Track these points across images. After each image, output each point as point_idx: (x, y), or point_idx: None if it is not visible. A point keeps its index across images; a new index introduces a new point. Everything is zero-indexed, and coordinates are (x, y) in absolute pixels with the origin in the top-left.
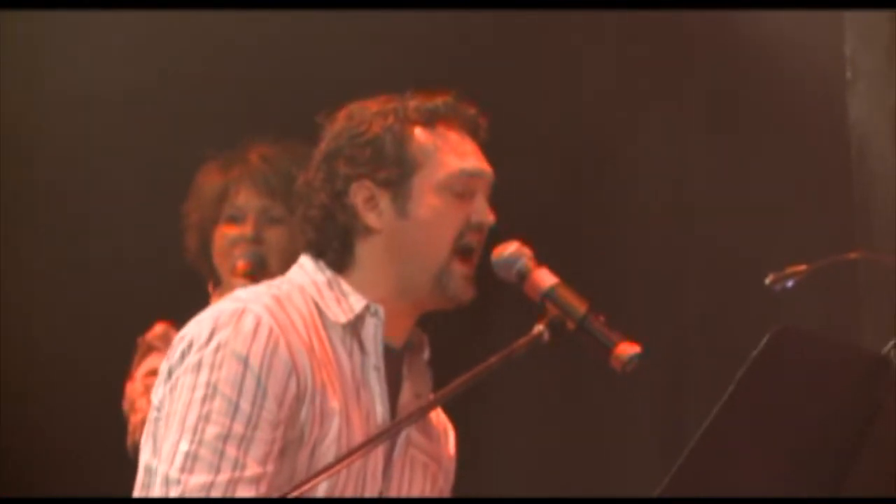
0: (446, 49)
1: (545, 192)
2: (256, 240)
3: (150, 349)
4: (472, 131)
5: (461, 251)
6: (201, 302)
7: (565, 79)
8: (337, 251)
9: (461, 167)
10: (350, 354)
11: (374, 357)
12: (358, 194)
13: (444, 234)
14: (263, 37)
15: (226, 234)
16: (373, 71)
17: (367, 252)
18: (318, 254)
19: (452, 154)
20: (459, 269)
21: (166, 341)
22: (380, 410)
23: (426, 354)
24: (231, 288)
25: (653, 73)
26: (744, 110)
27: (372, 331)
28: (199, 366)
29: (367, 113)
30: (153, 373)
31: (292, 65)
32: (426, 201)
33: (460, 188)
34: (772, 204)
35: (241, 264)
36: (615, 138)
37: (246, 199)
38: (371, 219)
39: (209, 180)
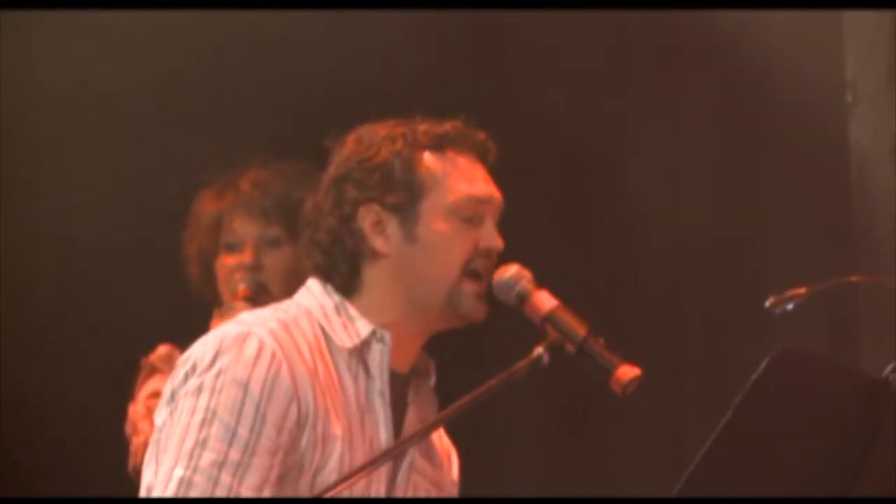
0: (443, 73)
1: (544, 215)
2: (256, 267)
3: (154, 371)
4: (482, 156)
5: (470, 275)
6: (206, 323)
7: (564, 103)
8: (344, 275)
9: (469, 192)
10: (355, 379)
11: (380, 382)
12: (366, 218)
13: (453, 258)
14: (266, 39)
15: (226, 263)
16: (371, 94)
17: (374, 276)
18: (326, 277)
19: (461, 179)
20: (470, 288)
21: (170, 363)
22: (384, 436)
23: (432, 380)
24: (232, 311)
25: (652, 98)
26: (744, 134)
27: (378, 356)
28: (199, 390)
29: (377, 137)
30: (156, 395)
31: (294, 64)
32: (434, 226)
33: (469, 213)
34: (772, 227)
35: (241, 289)
36: (615, 163)
37: (241, 226)
38: (378, 243)
39: (204, 209)
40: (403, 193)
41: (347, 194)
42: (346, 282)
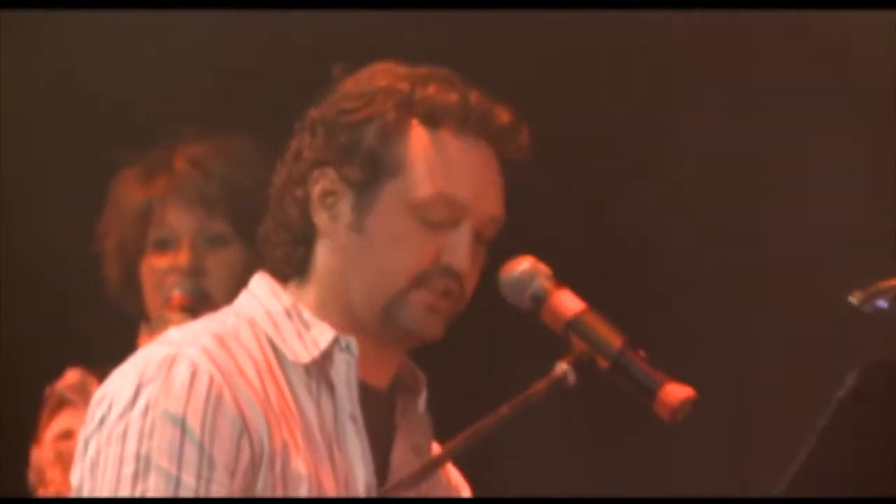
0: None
1: (568, 202)
2: (195, 270)
3: (63, 403)
4: (499, 146)
5: (420, 284)
6: (132, 342)
7: (594, 78)
8: (292, 258)
9: (442, 191)
10: (318, 403)
11: (349, 404)
12: (317, 182)
13: (400, 266)
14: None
15: (155, 266)
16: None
17: (325, 262)
18: (274, 267)
19: (440, 170)
20: (419, 298)
21: (83, 394)
22: (361, 473)
23: (423, 397)
24: (165, 324)
25: (708, 67)
26: (812, 111)
27: (343, 370)
28: (124, 435)
29: (374, 85)
30: (67, 435)
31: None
32: (388, 220)
33: (436, 217)
34: (846, 217)
35: (176, 296)
36: (654, 141)
37: (176, 217)
38: (323, 219)
39: (128, 196)
40: (365, 168)
41: (307, 148)
42: (288, 259)
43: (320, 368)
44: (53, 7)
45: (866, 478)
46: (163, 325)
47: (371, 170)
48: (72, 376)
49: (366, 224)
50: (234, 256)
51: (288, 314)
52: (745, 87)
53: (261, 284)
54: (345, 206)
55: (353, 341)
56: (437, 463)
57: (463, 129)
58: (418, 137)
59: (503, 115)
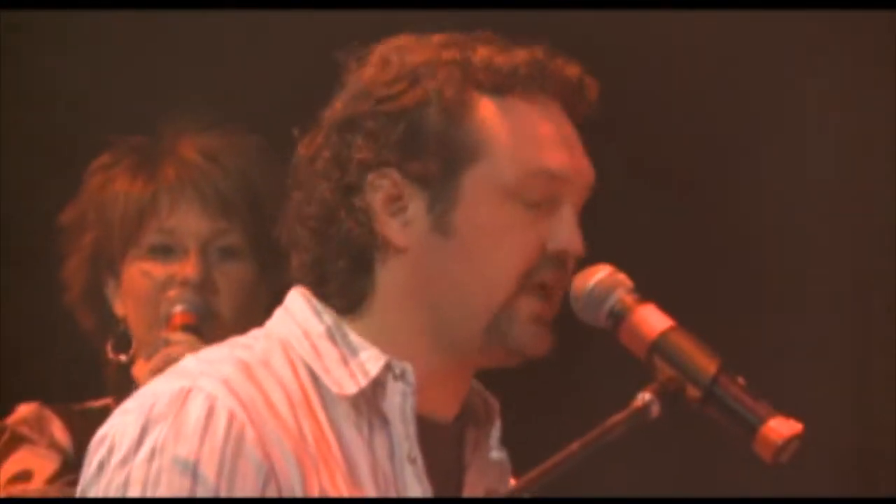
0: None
1: (653, 204)
2: (204, 285)
3: (18, 441)
4: (571, 105)
5: (531, 290)
6: (92, 371)
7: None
8: (344, 276)
9: (542, 164)
10: (369, 443)
11: (406, 443)
12: (378, 191)
13: (505, 265)
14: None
15: (149, 272)
16: None
17: (387, 281)
18: (317, 283)
19: (530, 143)
20: (529, 309)
21: (40, 428)
22: None
23: (497, 429)
24: (166, 349)
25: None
26: None
27: (398, 402)
28: (125, 485)
29: (410, 64)
30: (23, 476)
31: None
32: (481, 213)
33: (537, 196)
34: None
35: (178, 313)
36: (742, 149)
37: (185, 219)
38: (393, 229)
39: (120, 185)
40: (438, 159)
41: (353, 151)
42: (346, 288)
43: (370, 401)
44: (53, 7)
45: None
46: (164, 347)
47: (444, 159)
48: (25, 410)
49: (453, 223)
50: (246, 273)
51: (330, 336)
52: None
53: (298, 300)
54: (418, 208)
55: (408, 367)
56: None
57: (533, 92)
58: (488, 111)
59: (571, 69)
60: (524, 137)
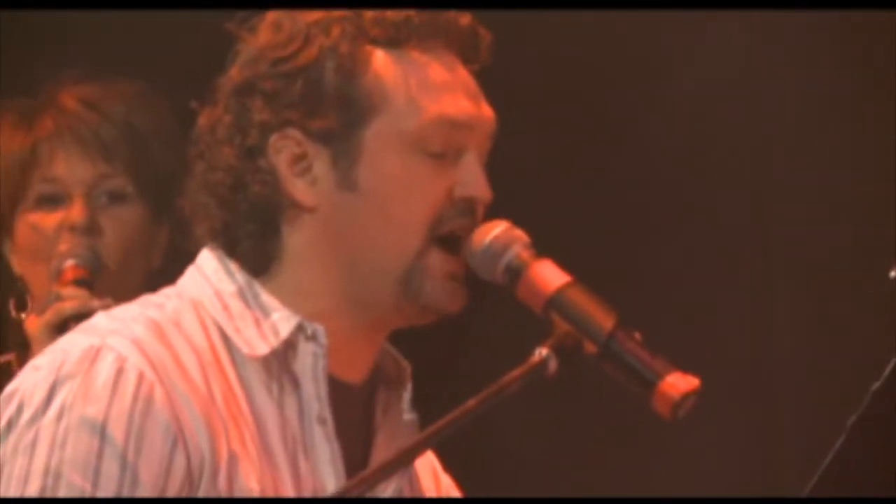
0: None
1: (548, 158)
2: (90, 229)
3: None
4: (467, 53)
5: (441, 242)
6: None
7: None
8: (254, 239)
9: (441, 112)
10: (279, 403)
11: (317, 403)
12: (281, 152)
13: (413, 215)
14: None
15: (37, 224)
16: None
17: (297, 242)
18: (228, 242)
19: (429, 91)
20: (440, 263)
21: None
22: (332, 484)
23: (408, 391)
24: (58, 304)
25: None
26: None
27: (310, 363)
28: (33, 444)
29: (302, 24)
30: None
31: None
32: (385, 165)
33: (439, 146)
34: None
35: (70, 268)
36: (640, 97)
37: (68, 167)
38: (299, 189)
39: (3, 143)
40: (338, 114)
41: (254, 114)
42: (257, 250)
43: (281, 362)
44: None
45: None
46: (55, 302)
47: (344, 115)
48: None
49: (358, 177)
50: (134, 215)
51: (242, 296)
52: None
53: (210, 259)
54: (323, 166)
55: (319, 328)
56: (396, 463)
57: (428, 42)
58: (384, 63)
59: (462, 18)
60: (421, 87)
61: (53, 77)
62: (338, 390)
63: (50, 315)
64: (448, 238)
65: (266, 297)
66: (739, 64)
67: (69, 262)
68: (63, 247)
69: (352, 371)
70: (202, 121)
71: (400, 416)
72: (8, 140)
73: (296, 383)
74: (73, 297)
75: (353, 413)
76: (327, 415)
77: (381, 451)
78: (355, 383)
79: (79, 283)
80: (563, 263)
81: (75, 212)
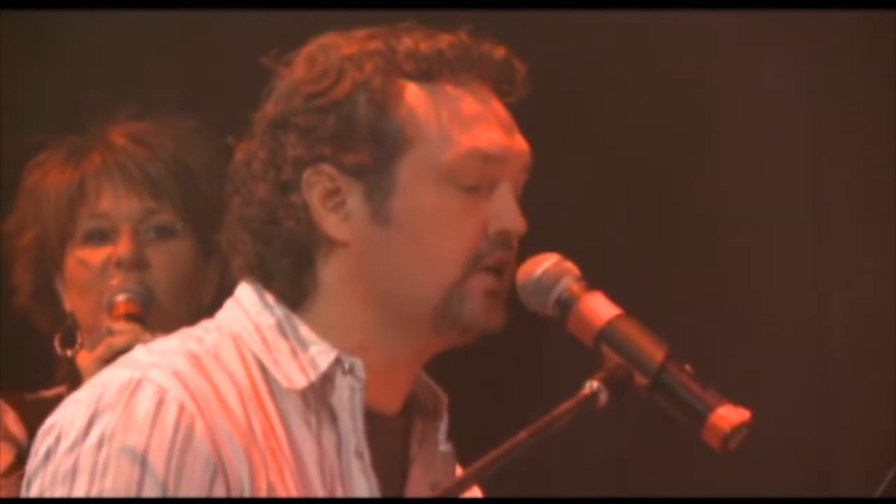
0: None
1: (598, 189)
2: (137, 264)
3: None
4: (501, 86)
5: (480, 270)
6: (44, 368)
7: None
8: (288, 274)
9: (475, 146)
10: (317, 436)
11: (354, 437)
12: (314, 187)
13: (448, 249)
14: None
15: (85, 259)
16: None
17: (332, 276)
18: (264, 277)
19: (462, 126)
20: (480, 285)
21: None
22: None
23: (445, 422)
24: (110, 339)
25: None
26: None
27: (347, 397)
28: (73, 472)
29: (336, 58)
30: None
31: None
32: (419, 198)
33: (473, 179)
34: None
35: (121, 302)
36: (709, 121)
37: (114, 202)
38: (332, 224)
39: (50, 178)
40: (371, 149)
41: (287, 149)
42: (291, 285)
43: (319, 395)
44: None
45: None
46: (106, 336)
47: (377, 148)
48: None
49: (391, 211)
50: (183, 250)
51: (280, 329)
52: None
53: (248, 293)
54: (356, 201)
55: (357, 362)
56: (448, 495)
57: (461, 75)
58: (416, 97)
59: (497, 51)
60: (454, 121)
61: (102, 114)
62: (374, 421)
63: (101, 350)
64: (486, 269)
65: (304, 331)
66: (795, 99)
67: (121, 297)
68: (114, 281)
69: (388, 402)
70: (239, 155)
71: (436, 447)
72: (57, 176)
73: (333, 417)
74: (124, 332)
75: (389, 444)
76: (364, 449)
77: (416, 483)
78: (391, 414)
79: (130, 317)
80: (613, 296)
81: (122, 246)
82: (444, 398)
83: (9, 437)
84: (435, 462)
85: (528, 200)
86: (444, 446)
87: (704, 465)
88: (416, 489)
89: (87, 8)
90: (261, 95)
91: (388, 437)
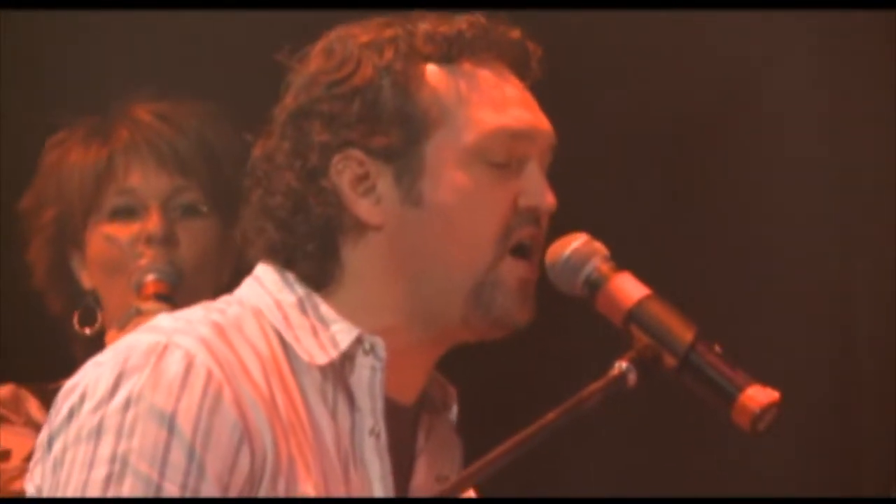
0: None
1: (628, 171)
2: (168, 240)
3: None
4: (519, 67)
5: (511, 251)
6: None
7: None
8: (313, 259)
9: (501, 124)
10: (333, 413)
11: (371, 418)
12: (343, 172)
13: (481, 227)
14: None
15: (113, 235)
16: None
17: (359, 259)
18: (285, 262)
19: (487, 104)
20: (513, 271)
21: (18, 409)
22: (380, 496)
23: (453, 415)
24: (139, 319)
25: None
26: None
27: (367, 377)
28: (98, 431)
29: (354, 46)
30: (1, 456)
31: None
32: (449, 178)
33: (501, 156)
34: None
35: (151, 282)
36: (732, 109)
37: (144, 178)
38: (364, 208)
39: (73, 155)
40: (398, 131)
41: (313, 136)
42: (315, 268)
43: (338, 374)
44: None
45: None
46: (136, 316)
47: (404, 130)
48: (2, 391)
49: (422, 192)
50: (207, 229)
51: (301, 306)
52: None
53: (269, 272)
54: (386, 184)
55: (379, 342)
56: (468, 480)
57: (481, 55)
58: (439, 78)
59: (512, 31)
60: (479, 100)
61: (122, 96)
62: (390, 409)
63: (132, 330)
64: (517, 247)
65: (325, 309)
66: (826, 101)
67: (150, 277)
68: (143, 261)
69: (404, 391)
70: (257, 151)
71: (443, 439)
72: (81, 153)
73: (349, 397)
74: (153, 312)
75: (401, 433)
76: (382, 429)
77: (421, 475)
78: (406, 404)
79: (159, 297)
80: (642, 276)
81: (152, 223)
82: (453, 392)
83: (31, 424)
84: (440, 454)
85: (557, 182)
86: (453, 439)
87: (727, 445)
88: (421, 481)
89: (89, 8)
90: (270, 92)
91: (401, 426)
